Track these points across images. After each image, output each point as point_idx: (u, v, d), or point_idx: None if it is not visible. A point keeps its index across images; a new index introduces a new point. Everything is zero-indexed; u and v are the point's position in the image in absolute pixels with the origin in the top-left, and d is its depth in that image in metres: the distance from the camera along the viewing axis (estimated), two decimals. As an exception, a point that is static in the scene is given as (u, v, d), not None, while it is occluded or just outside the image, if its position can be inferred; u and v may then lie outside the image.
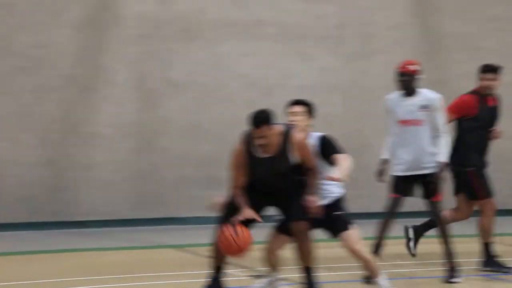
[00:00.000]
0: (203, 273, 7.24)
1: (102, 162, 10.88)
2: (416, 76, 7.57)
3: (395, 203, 7.63)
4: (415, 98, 7.55)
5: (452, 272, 7.46)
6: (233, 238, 6.08)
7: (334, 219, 6.49)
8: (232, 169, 6.36)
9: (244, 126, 11.15)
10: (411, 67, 7.56)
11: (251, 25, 11.38)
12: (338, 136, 10.38)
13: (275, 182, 6.35)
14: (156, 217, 11.03)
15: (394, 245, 8.52)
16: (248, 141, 6.33)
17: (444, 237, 7.56)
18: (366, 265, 6.56)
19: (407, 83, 7.54)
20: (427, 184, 7.55)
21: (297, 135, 6.38)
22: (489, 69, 8.16)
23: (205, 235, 9.97)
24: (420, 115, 7.50)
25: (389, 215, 7.66)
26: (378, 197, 11.73)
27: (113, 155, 10.91)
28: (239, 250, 6.09)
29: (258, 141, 6.22)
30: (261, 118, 6.23)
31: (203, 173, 11.10)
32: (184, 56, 11.14)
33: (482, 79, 8.11)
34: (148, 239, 9.97)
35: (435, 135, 7.53)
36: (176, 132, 11.13)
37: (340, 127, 11.27)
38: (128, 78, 10.99)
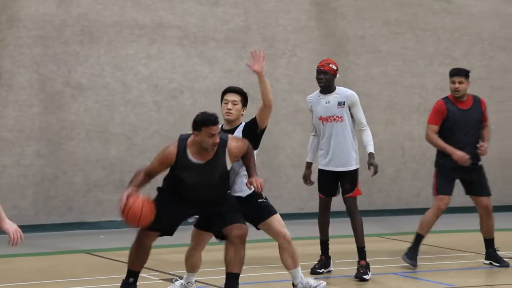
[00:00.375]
0: (116, 277, 7.13)
1: (7, 166, 10.57)
2: (336, 75, 7.75)
3: (323, 203, 7.81)
4: (332, 95, 7.71)
5: (364, 269, 7.61)
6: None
7: (259, 207, 6.42)
8: (154, 162, 6.13)
9: (151, 128, 11.15)
10: (333, 66, 7.71)
11: (154, 27, 11.29)
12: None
13: (207, 192, 6.18)
14: (65, 222, 10.79)
15: (306, 245, 8.63)
16: (184, 146, 6.11)
17: (358, 235, 7.71)
18: (290, 250, 6.48)
19: (328, 81, 7.69)
20: (346, 180, 7.71)
21: (232, 143, 6.20)
22: (456, 73, 8.36)
23: (115, 239, 9.87)
24: (338, 111, 7.67)
25: (321, 215, 7.82)
26: (288, 198, 11.89)
27: (18, 159, 10.61)
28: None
29: (212, 140, 6.00)
30: (216, 116, 6.09)
31: (111, 177, 10.94)
32: (87, 58, 10.95)
33: (450, 82, 8.34)
34: (57, 245, 9.76)
35: (359, 130, 7.73)
36: (82, 136, 10.92)
37: (246, 129, 11.31)
38: (30, 81, 10.70)
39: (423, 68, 12.78)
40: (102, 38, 11.01)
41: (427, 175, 12.73)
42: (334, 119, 7.68)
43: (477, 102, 8.37)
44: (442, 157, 8.30)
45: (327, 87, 7.71)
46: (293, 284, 6.73)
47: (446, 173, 8.28)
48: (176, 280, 6.87)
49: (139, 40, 11.19)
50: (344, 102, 7.69)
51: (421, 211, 12.53)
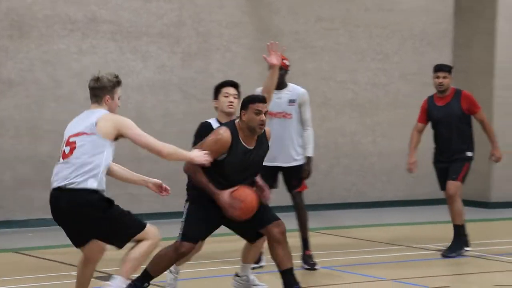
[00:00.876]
0: (44, 276, 7.05)
1: None
2: (288, 71, 7.78)
3: None
4: (284, 91, 7.73)
5: (309, 259, 7.73)
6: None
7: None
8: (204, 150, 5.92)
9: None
10: (286, 62, 7.73)
11: (86, 22, 11.14)
12: (179, 134, 10.51)
13: (245, 180, 6.10)
14: (-7, 220, 10.61)
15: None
16: (236, 131, 6.05)
17: (304, 228, 7.81)
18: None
19: (282, 76, 7.69)
20: (292, 176, 7.78)
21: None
22: (440, 68, 8.60)
23: (44, 237, 9.72)
24: (288, 108, 7.71)
25: None
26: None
27: None
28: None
29: (259, 117, 6.00)
30: (264, 96, 6.21)
31: (41, 174, 10.74)
32: (16, 53, 10.74)
33: (434, 77, 8.61)
34: (-16, 243, 9.66)
35: (303, 129, 7.79)
36: (11, 132, 10.73)
37: (180, 125, 11.27)
38: (-43, 77, 10.52)
39: (355, 63, 12.89)
40: (33, 33, 10.82)
41: (359, 170, 12.89)
42: (284, 116, 7.73)
43: (457, 96, 8.57)
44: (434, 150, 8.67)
45: (279, 83, 7.66)
46: (238, 275, 6.71)
47: (435, 169, 8.68)
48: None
49: (71, 35, 11.04)
50: (295, 100, 7.73)
51: (353, 205, 12.74)
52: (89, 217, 5.50)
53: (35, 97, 10.85)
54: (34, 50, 10.82)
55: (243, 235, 6.35)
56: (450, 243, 8.53)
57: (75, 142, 5.61)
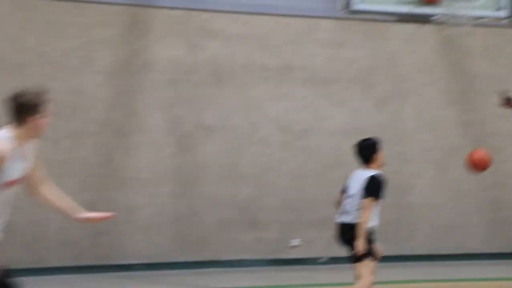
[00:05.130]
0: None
1: (142, 206, 10.83)
2: None
3: None
4: None
5: None
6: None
7: None
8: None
9: (279, 168, 11.20)
10: None
11: (281, 69, 11.44)
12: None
13: None
14: (198, 260, 10.93)
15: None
16: None
17: None
18: None
19: None
20: None
21: None
22: None
23: (248, 277, 9.91)
24: None
25: None
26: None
27: (152, 199, 10.85)
28: None
29: None
30: None
31: (242, 216, 11.06)
32: (216, 101, 11.18)
33: None
34: (192, 282, 9.89)
35: None
36: (213, 176, 11.13)
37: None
38: (162, 123, 10.99)
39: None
40: (231, 81, 11.22)
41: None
42: None
43: None
44: None
45: None
46: None
47: None
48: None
49: (266, 82, 11.36)
50: None
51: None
52: None
53: (235, 142, 11.22)
54: (233, 97, 11.23)
55: None
56: None
57: None
